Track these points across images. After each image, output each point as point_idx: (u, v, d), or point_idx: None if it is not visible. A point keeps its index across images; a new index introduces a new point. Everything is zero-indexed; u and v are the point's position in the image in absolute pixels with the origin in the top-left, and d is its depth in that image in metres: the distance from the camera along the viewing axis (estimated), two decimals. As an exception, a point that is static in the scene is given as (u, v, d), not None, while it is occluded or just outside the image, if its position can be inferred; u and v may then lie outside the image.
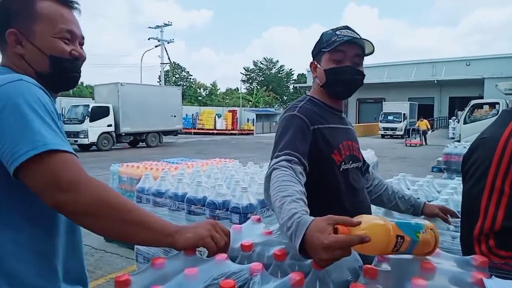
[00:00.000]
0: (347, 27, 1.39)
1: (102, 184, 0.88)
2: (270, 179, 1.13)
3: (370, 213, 1.50)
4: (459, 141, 12.05)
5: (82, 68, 1.12)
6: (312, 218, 0.83)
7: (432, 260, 0.85)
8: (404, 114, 25.57)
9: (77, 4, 1.08)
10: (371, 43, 1.37)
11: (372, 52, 1.41)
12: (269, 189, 1.12)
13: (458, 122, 15.94)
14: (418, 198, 1.72)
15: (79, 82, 1.18)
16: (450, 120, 23.95)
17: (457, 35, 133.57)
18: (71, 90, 1.16)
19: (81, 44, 1.10)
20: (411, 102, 28.24)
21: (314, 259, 0.80)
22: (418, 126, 20.93)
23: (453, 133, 19.90)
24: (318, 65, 1.41)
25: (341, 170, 1.37)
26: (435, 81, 29.68)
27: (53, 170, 0.82)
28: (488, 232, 1.03)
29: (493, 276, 0.74)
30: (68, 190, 0.82)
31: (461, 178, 2.56)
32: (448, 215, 1.57)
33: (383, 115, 26.14)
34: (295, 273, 0.77)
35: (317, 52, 1.43)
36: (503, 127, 1.07)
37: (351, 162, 1.42)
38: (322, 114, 1.40)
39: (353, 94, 1.45)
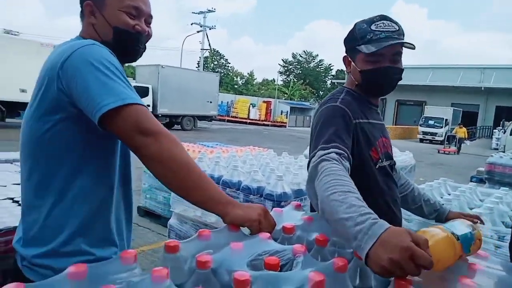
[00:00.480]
0: (383, 18, 1.26)
1: (177, 139, 0.99)
2: (318, 170, 1.05)
3: (400, 212, 1.44)
4: (503, 152, 11.44)
5: None
6: (390, 225, 0.78)
7: (481, 263, 0.83)
8: (446, 119, 24.46)
9: None
10: (412, 44, 1.24)
11: (413, 48, 1.27)
12: (315, 179, 1.05)
13: (504, 133, 15.07)
14: (443, 204, 1.63)
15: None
16: (495, 130, 22.69)
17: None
18: None
19: (148, 22, 1.16)
20: (455, 108, 26.96)
21: (380, 260, 0.72)
22: (455, 133, 19.76)
23: (497, 144, 18.87)
24: (353, 63, 1.32)
25: (377, 167, 1.32)
26: (482, 88, 28.17)
27: (136, 118, 0.93)
28: None
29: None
30: (149, 134, 0.93)
31: (507, 188, 2.45)
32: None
33: (423, 119, 25.19)
34: (339, 258, 0.77)
35: (350, 47, 1.32)
36: None
37: (385, 159, 1.36)
38: (361, 108, 1.33)
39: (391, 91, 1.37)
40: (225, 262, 0.77)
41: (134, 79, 20.82)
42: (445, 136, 22.69)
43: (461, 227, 0.84)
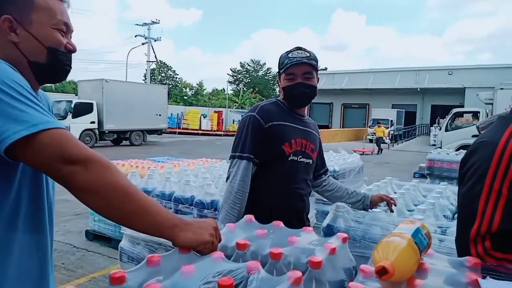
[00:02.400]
0: (299, 48, 1.65)
1: (110, 163, 0.87)
2: (236, 168, 1.61)
3: (303, 201, 1.74)
4: (440, 147, 12.31)
5: None
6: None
7: (426, 261, 0.86)
8: (391, 120, 26.36)
9: None
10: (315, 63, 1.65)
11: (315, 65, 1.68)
12: (228, 179, 1.62)
13: (440, 130, 16.27)
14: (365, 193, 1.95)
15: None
16: (432, 127, 24.46)
17: (443, 44, 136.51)
18: (53, 85, 1.15)
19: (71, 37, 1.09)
20: (398, 109, 28.89)
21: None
22: (373, 132, 19.48)
23: (435, 140, 20.30)
24: (280, 82, 1.72)
25: (289, 159, 1.65)
26: (418, 89, 30.28)
27: (58, 145, 0.81)
28: (485, 234, 1.05)
29: (487, 276, 0.75)
30: (75, 162, 0.81)
31: (445, 183, 2.62)
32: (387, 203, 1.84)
33: (372, 121, 26.94)
34: (293, 271, 0.77)
35: (278, 72, 1.73)
36: (501, 130, 1.09)
37: (300, 156, 1.67)
38: (281, 113, 1.67)
39: (308, 103, 1.75)
40: (177, 289, 0.73)
41: (76, 95, 19.82)
42: (391, 136, 24.09)
43: (415, 230, 0.85)
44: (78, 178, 0.81)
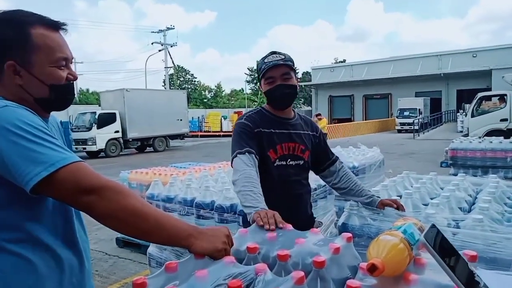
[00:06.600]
0: (273, 52, 1.74)
1: (123, 188, 0.96)
2: (235, 165, 1.61)
3: (299, 200, 1.81)
4: (467, 135, 11.95)
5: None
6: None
7: (425, 256, 0.90)
8: (419, 109, 26.37)
9: (66, 25, 1.12)
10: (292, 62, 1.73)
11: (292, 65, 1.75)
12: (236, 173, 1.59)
13: (466, 116, 15.76)
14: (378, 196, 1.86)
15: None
16: (458, 114, 23.74)
17: (466, 25, 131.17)
18: (77, 98, 1.25)
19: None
20: (425, 97, 28.76)
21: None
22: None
23: (462, 127, 19.68)
24: (261, 88, 1.81)
25: (275, 165, 1.73)
26: (442, 74, 29.41)
27: (74, 179, 0.89)
28: None
29: (478, 267, 0.79)
30: (90, 192, 0.90)
31: (463, 174, 2.59)
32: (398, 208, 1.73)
33: (399, 111, 27.06)
34: (296, 272, 0.83)
35: (258, 78, 1.82)
36: None
37: (289, 160, 1.77)
38: (265, 121, 1.76)
39: (291, 103, 1.82)
40: (190, 292, 0.81)
41: (99, 105, 20.45)
42: (420, 124, 23.64)
43: (405, 227, 0.89)
44: (95, 207, 0.90)
